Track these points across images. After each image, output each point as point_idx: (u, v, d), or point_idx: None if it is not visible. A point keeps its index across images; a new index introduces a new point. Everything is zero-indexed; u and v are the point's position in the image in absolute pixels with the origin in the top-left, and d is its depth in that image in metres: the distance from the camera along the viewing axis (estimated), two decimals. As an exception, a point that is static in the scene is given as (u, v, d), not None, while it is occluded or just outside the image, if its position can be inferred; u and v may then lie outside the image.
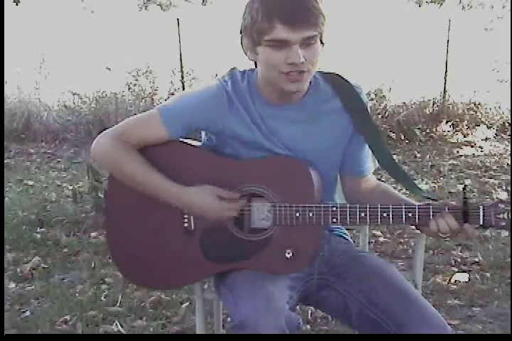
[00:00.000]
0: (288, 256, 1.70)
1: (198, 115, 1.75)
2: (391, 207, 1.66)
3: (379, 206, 1.67)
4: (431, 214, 1.65)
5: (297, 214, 1.69)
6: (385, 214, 1.66)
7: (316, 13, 1.61)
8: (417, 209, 1.66)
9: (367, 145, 1.85)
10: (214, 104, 1.74)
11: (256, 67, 1.75)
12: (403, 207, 1.66)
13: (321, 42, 1.67)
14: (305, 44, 1.62)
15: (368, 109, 1.82)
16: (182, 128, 1.76)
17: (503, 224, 1.62)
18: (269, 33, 1.60)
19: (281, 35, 1.60)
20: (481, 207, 1.63)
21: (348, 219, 1.68)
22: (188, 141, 1.82)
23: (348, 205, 1.70)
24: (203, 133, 1.87)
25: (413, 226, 1.76)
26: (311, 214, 1.69)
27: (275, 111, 1.76)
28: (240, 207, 1.71)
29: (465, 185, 1.71)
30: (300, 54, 1.61)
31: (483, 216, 1.63)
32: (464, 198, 1.64)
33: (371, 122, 1.81)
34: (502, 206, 1.62)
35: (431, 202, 1.72)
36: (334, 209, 1.69)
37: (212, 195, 1.70)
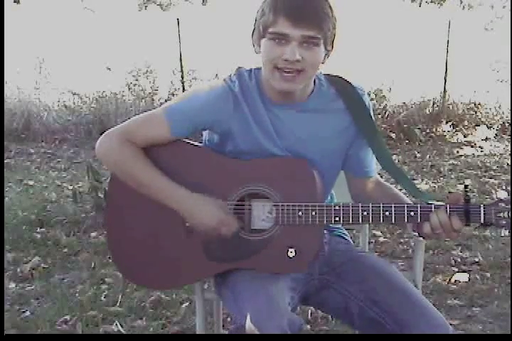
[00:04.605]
0: (291, 255, 1.70)
1: (203, 116, 1.75)
2: (393, 205, 1.67)
3: (381, 205, 1.67)
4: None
5: (300, 214, 1.69)
6: (387, 213, 1.66)
7: (321, 15, 1.63)
8: (419, 208, 1.66)
9: None
10: (220, 105, 1.74)
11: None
12: (405, 205, 1.67)
13: (326, 49, 1.68)
14: (305, 43, 1.63)
15: (371, 110, 1.82)
16: (187, 129, 1.77)
17: (504, 222, 1.64)
18: (272, 25, 1.64)
19: (282, 29, 1.62)
20: (481, 205, 1.64)
21: (350, 218, 1.68)
22: (191, 141, 1.82)
23: (350, 204, 1.70)
24: (205, 133, 1.87)
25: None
26: (313, 213, 1.68)
27: (278, 111, 1.76)
28: (234, 228, 1.71)
29: (466, 185, 1.71)
30: (296, 52, 1.62)
31: (484, 214, 1.64)
32: (466, 197, 1.64)
33: (372, 124, 1.81)
34: (502, 205, 1.64)
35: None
36: (337, 208, 1.68)
37: (217, 206, 1.70)
